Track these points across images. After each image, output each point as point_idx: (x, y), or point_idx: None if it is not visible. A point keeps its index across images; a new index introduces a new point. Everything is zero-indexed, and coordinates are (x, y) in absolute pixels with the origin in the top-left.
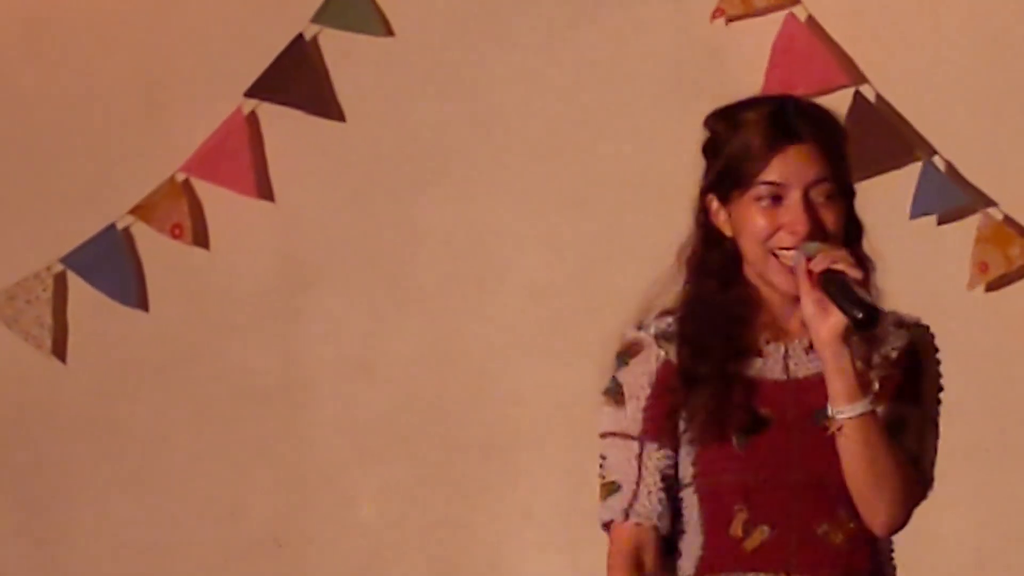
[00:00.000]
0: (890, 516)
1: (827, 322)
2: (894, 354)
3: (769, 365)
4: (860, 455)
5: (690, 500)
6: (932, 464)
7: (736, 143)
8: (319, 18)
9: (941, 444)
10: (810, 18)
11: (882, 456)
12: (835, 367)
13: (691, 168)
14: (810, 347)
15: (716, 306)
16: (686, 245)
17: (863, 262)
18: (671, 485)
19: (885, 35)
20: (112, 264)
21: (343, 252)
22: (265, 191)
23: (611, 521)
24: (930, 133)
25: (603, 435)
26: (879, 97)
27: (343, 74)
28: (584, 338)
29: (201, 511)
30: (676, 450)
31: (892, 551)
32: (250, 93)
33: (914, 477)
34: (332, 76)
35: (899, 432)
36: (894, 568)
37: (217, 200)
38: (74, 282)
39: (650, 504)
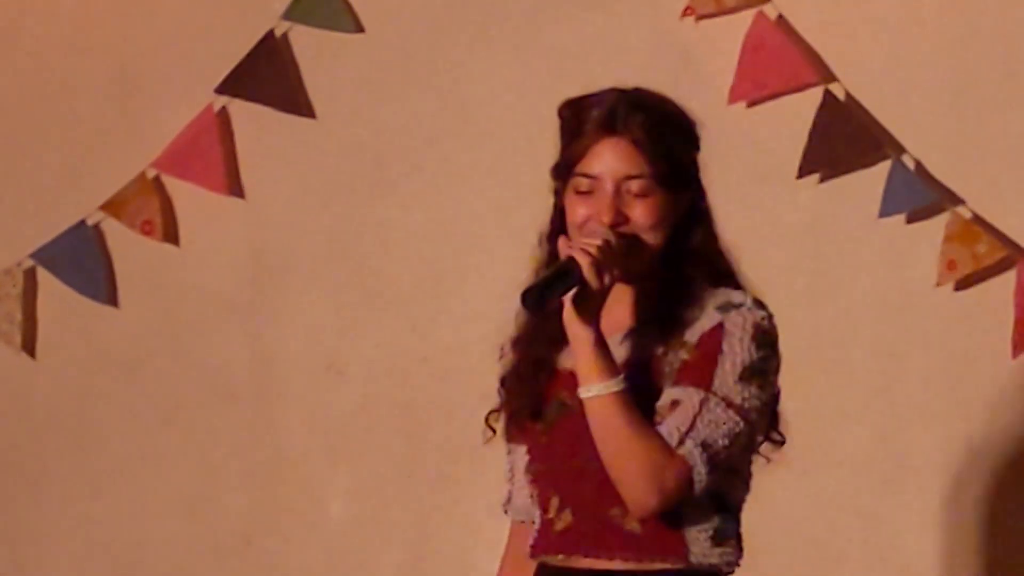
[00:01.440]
0: (637, 498)
1: (564, 305)
2: (694, 338)
3: None
4: (600, 435)
5: (531, 485)
6: (708, 447)
7: (568, 132)
8: (290, 15)
9: (905, 442)
10: (780, 17)
11: (624, 438)
12: (575, 347)
13: None
14: (624, 338)
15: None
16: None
17: (640, 248)
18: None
19: (855, 34)
20: (82, 260)
21: (313, 249)
22: (236, 188)
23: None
24: (899, 132)
25: None
26: (848, 95)
27: (314, 71)
28: None
29: (171, 508)
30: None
31: (720, 538)
32: (221, 90)
33: (667, 461)
34: (303, 73)
35: (667, 413)
36: (727, 554)
37: (188, 197)
38: (44, 278)
39: (523, 500)
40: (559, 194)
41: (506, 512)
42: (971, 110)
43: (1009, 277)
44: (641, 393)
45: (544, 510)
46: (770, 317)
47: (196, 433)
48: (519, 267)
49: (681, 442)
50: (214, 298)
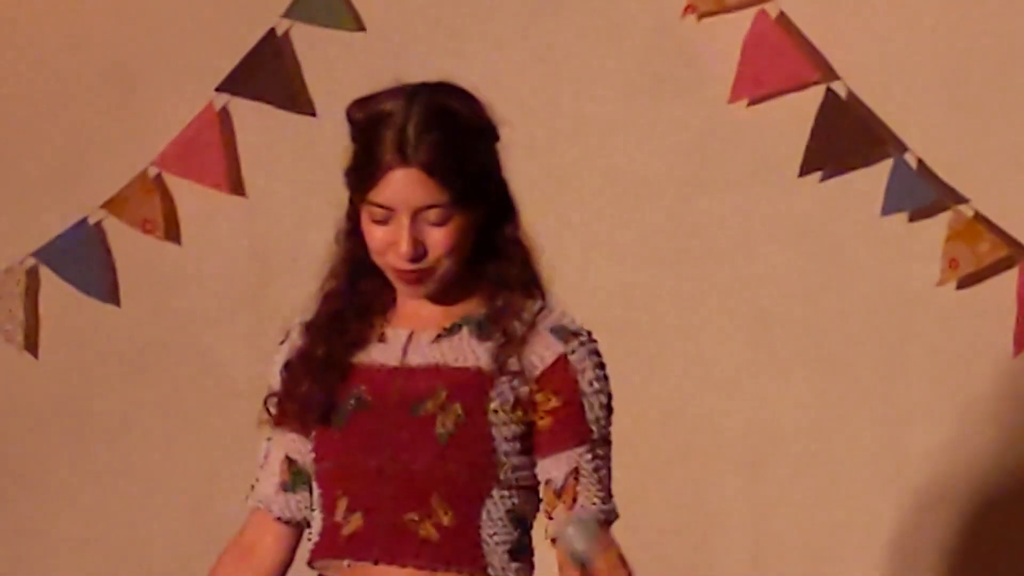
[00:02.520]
0: None
1: None
2: (535, 371)
3: (387, 351)
4: None
5: (314, 486)
6: (608, 482)
7: (359, 149)
8: (291, 13)
9: (906, 440)
10: (781, 14)
11: None
12: None
13: (661, 164)
14: (437, 338)
15: (339, 294)
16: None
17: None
18: (308, 472)
19: (857, 32)
20: (84, 259)
21: (315, 247)
22: (237, 186)
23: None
24: (901, 130)
25: None
26: (851, 94)
27: (315, 69)
28: None
29: (172, 504)
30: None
31: (517, 553)
32: (222, 88)
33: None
34: (304, 71)
35: (570, 486)
36: (522, 569)
37: (189, 195)
38: (46, 276)
39: (268, 488)
40: (356, 199)
41: (247, 499)
42: (974, 108)
43: (1011, 276)
44: (457, 396)
45: (329, 512)
46: (597, 342)
47: (198, 430)
48: None
49: (608, 512)
50: (216, 296)
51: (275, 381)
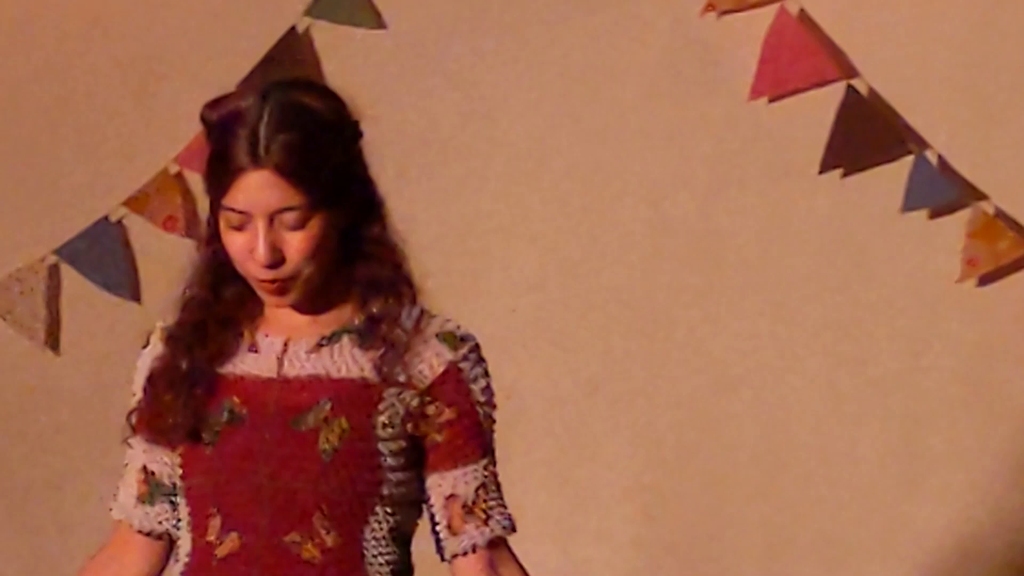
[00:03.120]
0: None
1: None
2: (425, 380)
3: (260, 361)
4: None
5: (181, 503)
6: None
7: (212, 150)
8: (312, 11)
9: (928, 442)
10: (801, 11)
11: None
12: None
13: (683, 161)
14: (315, 348)
15: (201, 303)
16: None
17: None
18: (165, 484)
19: (877, 29)
20: (105, 256)
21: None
22: None
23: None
24: (922, 127)
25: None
26: (871, 91)
27: (335, 67)
28: (573, 332)
29: None
30: (173, 448)
31: (399, 570)
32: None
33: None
34: (324, 69)
35: (472, 506)
36: None
37: None
38: (68, 273)
39: (127, 500)
40: (214, 204)
41: (111, 510)
42: (995, 105)
43: None
44: (342, 409)
45: (200, 532)
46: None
47: None
48: (538, 263)
49: (488, 519)
50: None
51: (137, 387)
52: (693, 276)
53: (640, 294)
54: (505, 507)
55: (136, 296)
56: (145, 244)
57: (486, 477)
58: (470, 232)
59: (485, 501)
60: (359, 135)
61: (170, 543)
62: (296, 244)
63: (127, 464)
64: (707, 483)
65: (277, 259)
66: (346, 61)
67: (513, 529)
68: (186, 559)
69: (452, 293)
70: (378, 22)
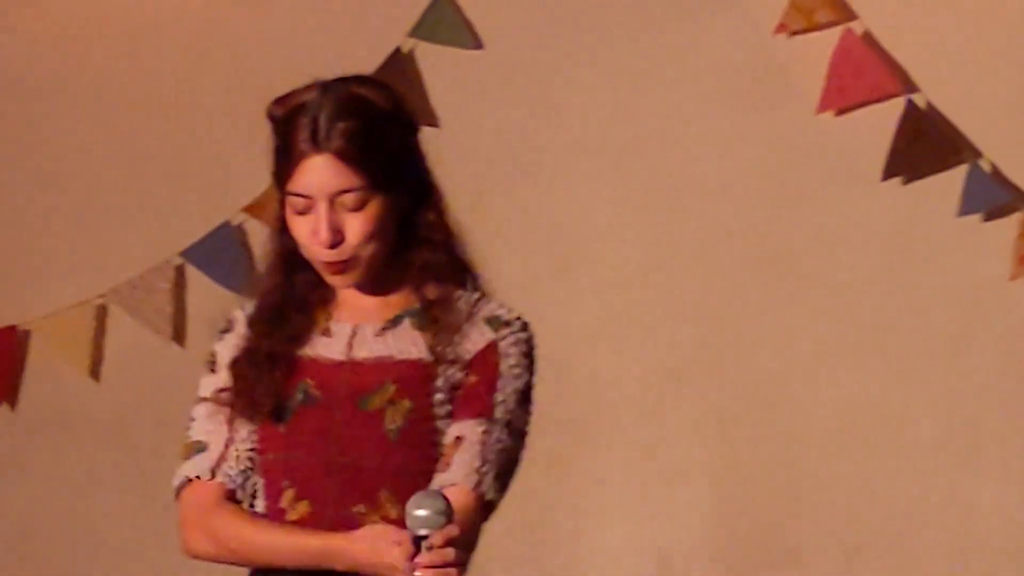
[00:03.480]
0: None
1: None
2: (468, 355)
3: (332, 345)
4: None
5: (255, 473)
6: (500, 475)
7: (277, 142)
8: (415, 32)
9: (984, 431)
10: (866, 32)
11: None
12: None
13: (755, 171)
14: (380, 331)
15: (277, 289)
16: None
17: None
18: (233, 452)
19: (935, 48)
20: (227, 257)
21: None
22: None
23: (189, 480)
24: (977, 138)
25: (198, 400)
26: (929, 105)
27: (437, 83)
28: (651, 324)
29: None
30: (253, 423)
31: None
32: None
33: (478, 519)
34: (427, 85)
35: (454, 449)
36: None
37: None
38: (192, 274)
39: (235, 467)
40: (281, 193)
41: (213, 474)
42: None
43: None
44: (406, 391)
45: (274, 500)
46: (533, 335)
47: None
48: (621, 262)
49: (480, 482)
50: None
51: (219, 367)
52: (765, 275)
53: (713, 291)
54: (480, 475)
55: (255, 294)
56: (263, 246)
57: (472, 436)
58: (556, 233)
59: (453, 454)
60: (415, 127)
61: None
62: (356, 225)
63: (232, 434)
64: (776, 463)
65: (338, 239)
66: (446, 78)
67: (494, 505)
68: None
69: (541, 289)
70: (476, 42)
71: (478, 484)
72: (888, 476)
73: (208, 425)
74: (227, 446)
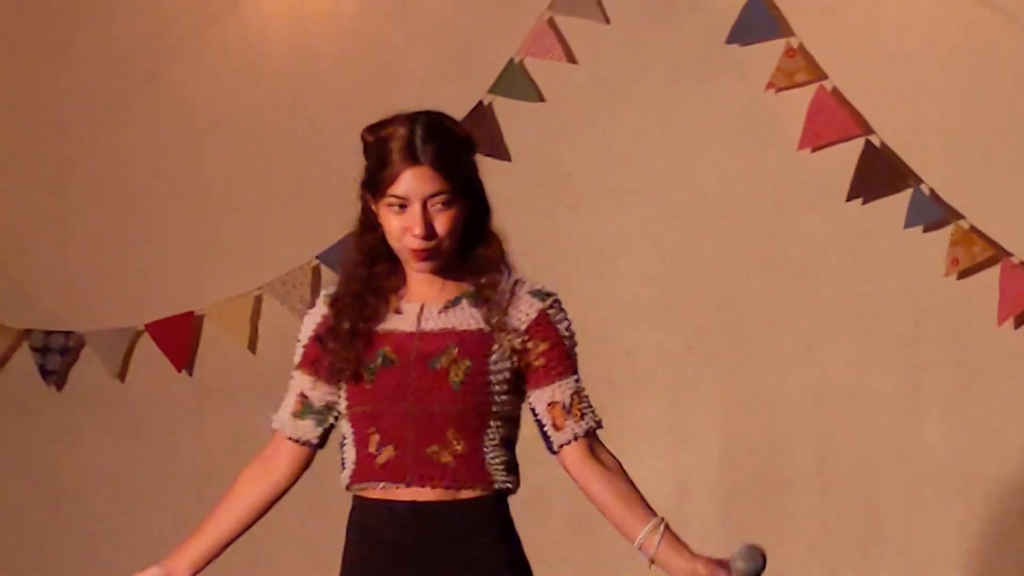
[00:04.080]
0: None
1: None
2: (523, 325)
3: (404, 320)
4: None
5: (346, 426)
6: (592, 409)
7: (376, 158)
8: (494, 89)
9: (928, 392)
10: (835, 89)
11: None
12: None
13: (750, 193)
14: (443, 309)
15: (359, 277)
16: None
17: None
18: (315, 407)
19: (887, 101)
20: None
21: (513, 256)
22: None
23: (275, 430)
24: (918, 168)
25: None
26: (883, 144)
27: (510, 128)
28: (678, 310)
29: None
30: (335, 384)
31: (510, 467)
32: None
33: (604, 450)
34: (503, 129)
35: (558, 411)
36: (515, 480)
37: None
38: (326, 273)
39: (286, 416)
40: (366, 201)
41: (272, 423)
42: (971, 153)
43: (995, 270)
44: (466, 352)
45: (363, 446)
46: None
47: None
48: (655, 262)
49: (590, 430)
50: None
51: (304, 337)
52: (760, 270)
53: (720, 285)
54: (593, 409)
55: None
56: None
57: (577, 388)
58: (605, 241)
59: (578, 404)
60: (475, 151)
61: (311, 453)
62: (443, 222)
63: (290, 390)
64: (771, 416)
65: (430, 233)
66: (518, 124)
67: (600, 424)
68: (352, 466)
69: (589, 283)
70: (540, 96)
71: (588, 431)
72: (855, 427)
73: (291, 383)
74: (285, 400)
